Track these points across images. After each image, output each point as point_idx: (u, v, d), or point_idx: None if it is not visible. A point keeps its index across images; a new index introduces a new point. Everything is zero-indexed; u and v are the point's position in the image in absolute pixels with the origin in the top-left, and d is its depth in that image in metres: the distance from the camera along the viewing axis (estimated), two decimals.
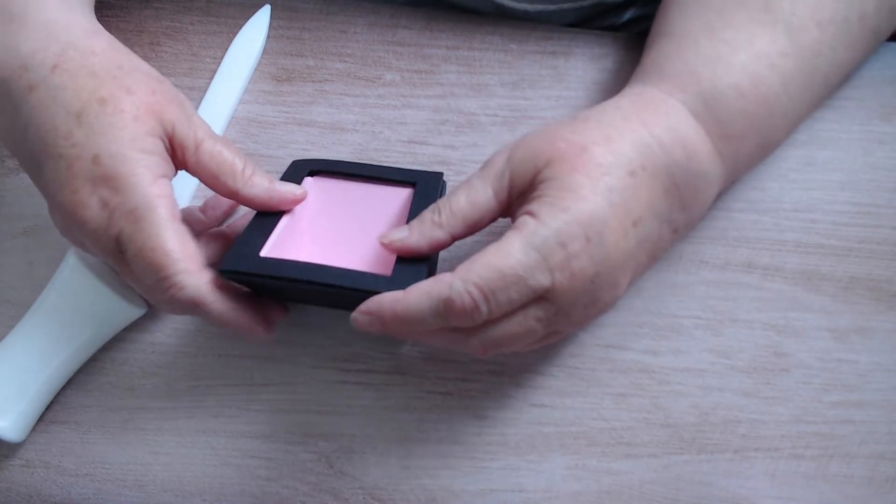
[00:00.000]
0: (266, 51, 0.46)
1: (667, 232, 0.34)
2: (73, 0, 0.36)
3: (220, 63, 0.45)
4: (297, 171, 0.38)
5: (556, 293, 0.31)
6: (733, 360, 0.40)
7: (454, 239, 0.33)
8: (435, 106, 0.44)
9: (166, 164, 0.33)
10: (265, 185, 0.35)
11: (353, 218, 0.38)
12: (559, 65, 0.45)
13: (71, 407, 0.40)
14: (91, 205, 0.32)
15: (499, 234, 0.31)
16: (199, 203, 0.42)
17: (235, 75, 0.44)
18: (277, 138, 0.44)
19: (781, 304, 0.40)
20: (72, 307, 0.38)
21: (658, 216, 0.33)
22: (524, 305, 0.31)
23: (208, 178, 0.35)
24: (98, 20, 0.37)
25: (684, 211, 0.34)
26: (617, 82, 0.44)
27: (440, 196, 0.38)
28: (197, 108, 0.44)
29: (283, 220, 0.35)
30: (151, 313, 0.41)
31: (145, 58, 0.40)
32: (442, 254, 0.38)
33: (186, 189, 0.43)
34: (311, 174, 0.38)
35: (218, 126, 0.43)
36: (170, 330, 0.41)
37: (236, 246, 0.34)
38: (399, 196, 0.38)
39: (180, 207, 0.38)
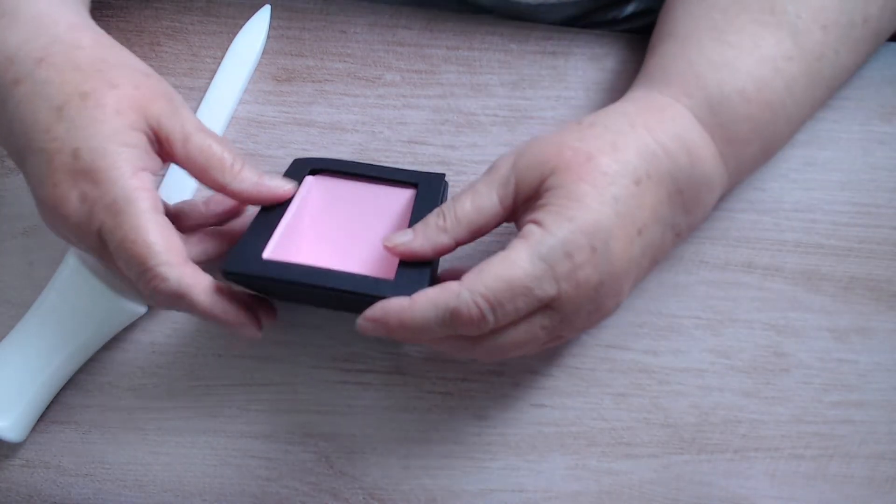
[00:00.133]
0: (266, 51, 0.46)
1: (669, 236, 0.34)
2: None
3: (220, 63, 0.45)
4: (299, 170, 0.38)
5: (561, 302, 0.31)
6: (733, 360, 0.40)
7: (458, 244, 0.33)
8: (435, 106, 0.44)
9: (149, 157, 0.33)
10: (253, 179, 0.35)
11: (356, 218, 0.38)
12: (559, 65, 0.45)
13: (71, 407, 0.40)
14: (71, 199, 0.32)
15: (501, 235, 0.31)
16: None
17: (235, 75, 0.44)
18: (277, 138, 0.44)
19: (781, 304, 0.40)
20: (72, 307, 0.38)
21: (661, 222, 0.33)
22: (530, 314, 0.31)
23: (197, 172, 0.35)
24: (98, 20, 0.37)
25: (687, 215, 0.34)
26: (617, 82, 0.44)
27: (442, 197, 0.38)
28: (197, 108, 0.44)
29: (286, 220, 0.35)
30: (151, 313, 0.41)
31: (145, 58, 0.40)
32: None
33: (188, 184, 0.43)
34: (313, 173, 0.38)
35: (218, 126, 0.43)
36: (170, 330, 0.41)
37: (239, 246, 0.33)
38: (401, 197, 0.38)
39: (182, 201, 0.38)
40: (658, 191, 0.33)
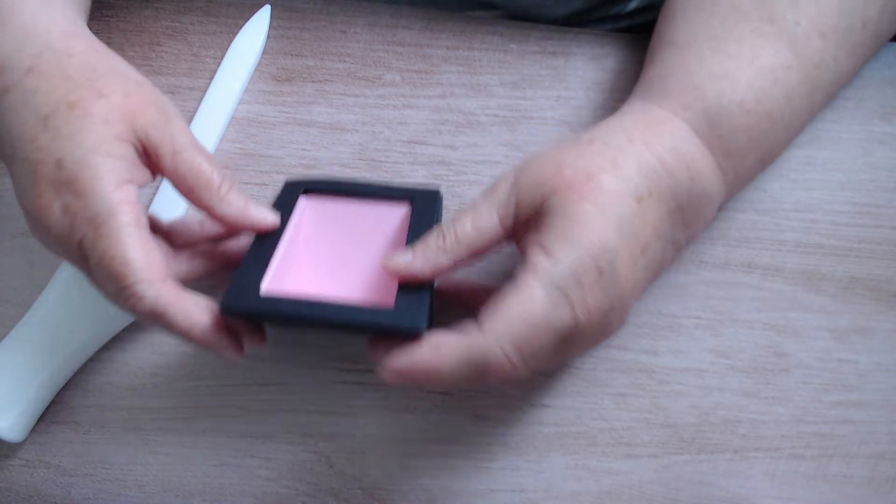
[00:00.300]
0: (266, 51, 0.46)
1: (670, 252, 0.34)
2: (57, 2, 0.35)
3: (220, 63, 0.45)
4: (291, 192, 0.38)
5: (576, 330, 0.31)
6: (733, 360, 0.40)
7: (458, 265, 0.33)
8: (435, 106, 0.44)
9: (136, 169, 0.32)
10: (239, 205, 0.34)
11: (351, 239, 0.38)
12: (559, 65, 0.45)
13: (71, 407, 0.40)
14: (54, 210, 0.31)
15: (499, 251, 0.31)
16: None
17: (235, 75, 0.44)
18: (277, 138, 0.44)
19: (781, 304, 0.40)
20: (72, 307, 0.38)
21: (663, 238, 0.33)
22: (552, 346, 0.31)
23: (184, 188, 0.34)
24: (98, 20, 0.37)
25: (687, 229, 0.34)
26: (617, 82, 0.44)
27: (438, 212, 0.38)
28: (197, 108, 0.44)
29: (281, 248, 0.35)
30: None
31: (145, 57, 0.40)
32: None
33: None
34: (306, 192, 0.38)
35: (218, 126, 0.43)
36: None
37: (235, 281, 0.33)
38: (396, 214, 0.38)
39: (178, 215, 0.38)
40: (659, 207, 0.33)
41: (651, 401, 0.39)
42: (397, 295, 0.32)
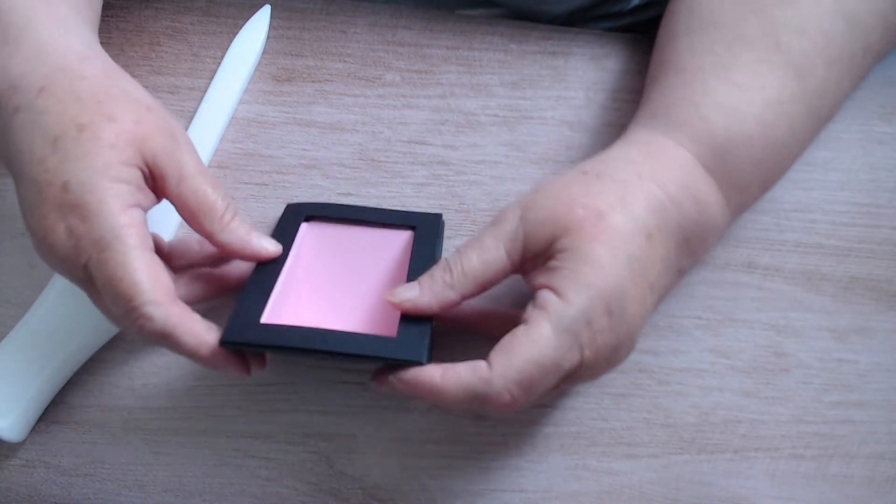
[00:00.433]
0: (266, 51, 0.46)
1: (675, 278, 0.35)
2: (72, 22, 0.35)
3: (220, 63, 0.45)
4: (294, 217, 0.38)
5: (582, 367, 0.31)
6: (733, 360, 0.40)
7: (465, 299, 0.33)
8: (435, 106, 0.44)
9: (141, 193, 0.33)
10: (241, 234, 0.34)
11: (353, 266, 0.38)
12: (559, 65, 0.45)
13: (71, 407, 0.40)
14: (58, 232, 0.31)
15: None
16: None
17: (235, 75, 0.44)
18: (277, 138, 0.44)
19: (781, 304, 0.40)
20: (72, 307, 0.38)
21: (669, 269, 0.33)
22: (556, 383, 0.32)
23: (187, 215, 0.34)
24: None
25: (692, 257, 0.35)
26: (617, 82, 0.44)
27: (439, 238, 0.37)
28: (197, 108, 0.44)
29: (282, 277, 0.35)
30: None
31: (145, 58, 0.40)
32: None
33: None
34: (308, 219, 0.38)
35: (218, 126, 0.43)
36: None
37: (237, 311, 0.33)
38: (398, 241, 0.38)
39: (177, 239, 0.38)
40: (667, 242, 0.33)
41: (651, 401, 0.39)
42: (399, 325, 0.33)
